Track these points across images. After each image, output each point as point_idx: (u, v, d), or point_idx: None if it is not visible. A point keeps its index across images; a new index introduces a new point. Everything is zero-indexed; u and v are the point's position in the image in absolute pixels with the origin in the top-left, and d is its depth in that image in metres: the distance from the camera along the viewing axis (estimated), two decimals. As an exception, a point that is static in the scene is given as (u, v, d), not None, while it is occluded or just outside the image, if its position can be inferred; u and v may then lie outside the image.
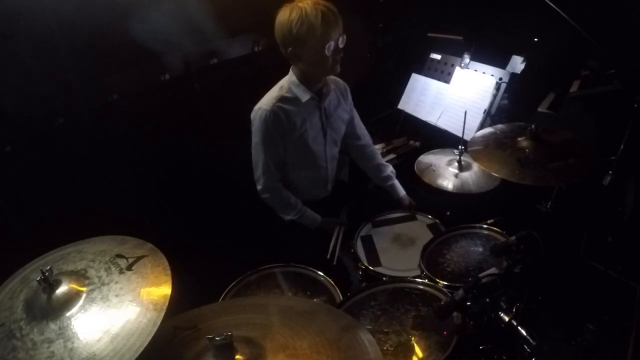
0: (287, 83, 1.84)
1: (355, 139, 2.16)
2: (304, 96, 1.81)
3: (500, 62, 2.40)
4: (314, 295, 1.52)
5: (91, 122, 2.19)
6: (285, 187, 1.98)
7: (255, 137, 1.86)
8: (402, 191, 2.18)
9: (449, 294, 1.24)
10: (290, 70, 1.84)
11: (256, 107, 1.84)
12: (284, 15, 1.66)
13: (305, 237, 1.98)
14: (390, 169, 2.23)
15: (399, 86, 2.82)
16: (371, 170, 2.23)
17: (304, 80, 1.82)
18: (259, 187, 1.95)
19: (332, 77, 1.94)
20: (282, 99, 1.80)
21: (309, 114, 1.86)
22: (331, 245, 1.87)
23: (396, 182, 2.20)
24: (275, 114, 1.77)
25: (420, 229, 1.86)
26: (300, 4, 1.63)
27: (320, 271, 1.59)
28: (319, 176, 2.05)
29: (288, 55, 1.75)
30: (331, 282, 1.54)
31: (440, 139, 2.40)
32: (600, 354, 1.88)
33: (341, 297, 1.47)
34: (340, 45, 1.71)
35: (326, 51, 1.67)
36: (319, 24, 1.60)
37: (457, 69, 2.53)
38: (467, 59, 2.51)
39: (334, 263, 1.79)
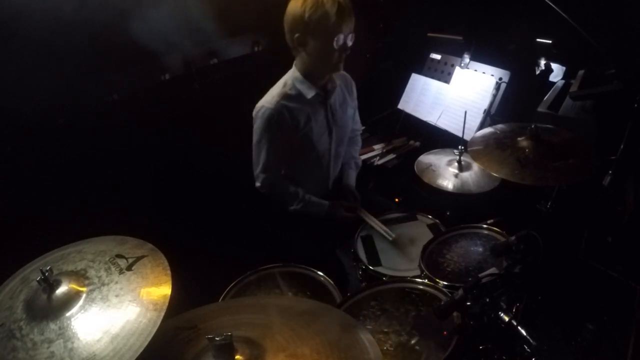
0: (290, 79, 1.79)
1: None
2: (309, 92, 1.76)
3: (500, 62, 2.40)
4: (314, 295, 1.52)
5: (91, 122, 2.20)
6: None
7: (257, 136, 1.81)
8: (350, 180, 2.10)
9: (449, 294, 1.24)
10: (294, 66, 1.79)
11: (259, 104, 1.78)
12: (299, 0, 1.62)
13: (307, 237, 1.97)
14: (354, 160, 2.18)
15: (399, 86, 2.82)
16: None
17: (308, 75, 1.76)
18: (257, 184, 1.93)
19: None
20: (286, 97, 1.74)
21: (314, 111, 1.81)
22: (376, 227, 1.83)
23: (351, 172, 2.13)
24: (280, 113, 1.72)
25: (420, 229, 1.85)
26: None
27: (321, 271, 1.59)
28: (321, 174, 2.02)
29: (293, 42, 1.69)
30: (331, 282, 1.54)
31: (440, 139, 2.39)
32: (600, 354, 1.87)
33: (341, 297, 1.47)
34: (349, 43, 1.67)
35: (334, 44, 1.62)
36: (333, 13, 1.57)
37: (457, 69, 2.53)
38: (467, 59, 2.50)
39: (394, 236, 1.75)
